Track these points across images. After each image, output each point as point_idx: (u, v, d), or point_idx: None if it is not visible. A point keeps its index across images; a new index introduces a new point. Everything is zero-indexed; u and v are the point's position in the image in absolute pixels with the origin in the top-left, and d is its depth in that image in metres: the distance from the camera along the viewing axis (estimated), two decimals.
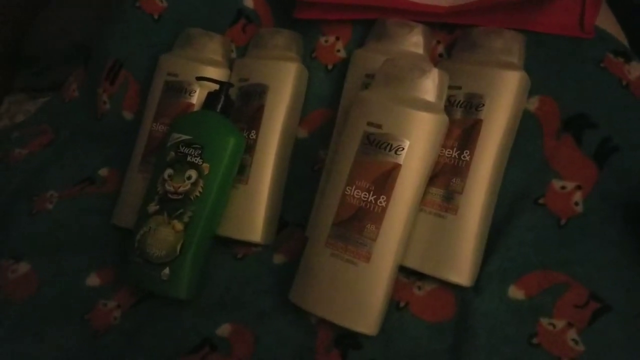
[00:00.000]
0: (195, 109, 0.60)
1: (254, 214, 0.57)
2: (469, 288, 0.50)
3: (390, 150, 0.47)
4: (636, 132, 0.51)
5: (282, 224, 0.60)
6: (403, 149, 0.47)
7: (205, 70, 0.61)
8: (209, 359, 0.52)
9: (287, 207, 0.60)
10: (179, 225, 0.54)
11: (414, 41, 0.56)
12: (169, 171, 0.55)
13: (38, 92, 0.84)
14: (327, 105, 0.61)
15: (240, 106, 0.60)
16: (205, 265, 0.56)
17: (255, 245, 0.58)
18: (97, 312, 0.58)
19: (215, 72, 0.61)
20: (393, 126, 0.47)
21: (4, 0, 0.87)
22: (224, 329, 0.53)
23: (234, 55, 0.66)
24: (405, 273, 0.52)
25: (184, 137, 0.55)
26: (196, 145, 0.55)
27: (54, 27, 0.83)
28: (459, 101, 0.51)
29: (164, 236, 0.54)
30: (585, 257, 0.50)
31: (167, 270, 0.54)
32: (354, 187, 0.48)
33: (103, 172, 0.69)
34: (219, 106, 0.57)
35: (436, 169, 0.51)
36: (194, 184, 0.54)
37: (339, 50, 0.62)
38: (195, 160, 0.54)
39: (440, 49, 0.59)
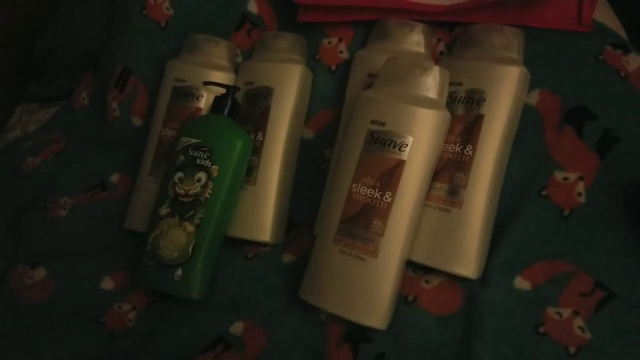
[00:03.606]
0: (203, 113, 0.62)
1: (262, 214, 0.58)
2: (476, 280, 0.51)
3: (394, 147, 0.48)
4: (636, 123, 0.52)
5: (290, 224, 0.61)
6: (407, 145, 0.47)
7: (211, 75, 0.62)
8: (223, 356, 0.53)
9: (295, 208, 0.61)
10: (190, 227, 0.55)
11: (415, 40, 0.57)
12: (179, 174, 0.56)
13: (49, 101, 0.85)
14: (331, 105, 0.62)
15: (247, 109, 0.61)
16: (216, 265, 0.57)
17: (265, 245, 0.60)
18: (112, 315, 0.59)
19: (222, 77, 0.62)
20: (396, 123, 0.48)
21: (12, 10, 0.88)
22: (237, 327, 0.54)
23: (239, 59, 0.67)
24: (412, 267, 0.53)
25: (193, 140, 0.57)
26: (205, 149, 0.56)
27: (62, 35, 0.84)
28: (461, 97, 0.52)
29: (176, 238, 0.55)
30: (589, 247, 0.50)
31: (179, 272, 0.55)
32: (359, 184, 0.49)
33: (114, 178, 0.70)
34: (226, 109, 0.59)
35: (440, 164, 0.52)
36: (204, 186, 0.55)
37: (341, 52, 0.63)
38: (205, 163, 0.56)
39: (441, 46, 0.60)
